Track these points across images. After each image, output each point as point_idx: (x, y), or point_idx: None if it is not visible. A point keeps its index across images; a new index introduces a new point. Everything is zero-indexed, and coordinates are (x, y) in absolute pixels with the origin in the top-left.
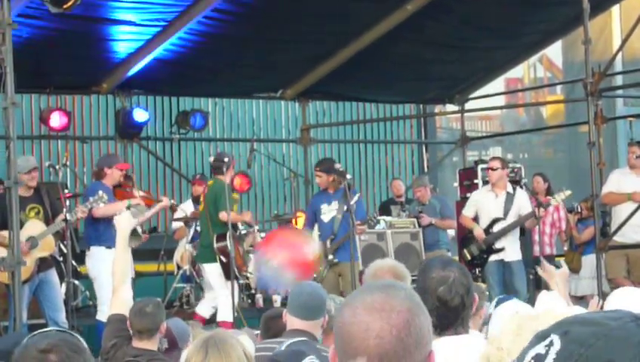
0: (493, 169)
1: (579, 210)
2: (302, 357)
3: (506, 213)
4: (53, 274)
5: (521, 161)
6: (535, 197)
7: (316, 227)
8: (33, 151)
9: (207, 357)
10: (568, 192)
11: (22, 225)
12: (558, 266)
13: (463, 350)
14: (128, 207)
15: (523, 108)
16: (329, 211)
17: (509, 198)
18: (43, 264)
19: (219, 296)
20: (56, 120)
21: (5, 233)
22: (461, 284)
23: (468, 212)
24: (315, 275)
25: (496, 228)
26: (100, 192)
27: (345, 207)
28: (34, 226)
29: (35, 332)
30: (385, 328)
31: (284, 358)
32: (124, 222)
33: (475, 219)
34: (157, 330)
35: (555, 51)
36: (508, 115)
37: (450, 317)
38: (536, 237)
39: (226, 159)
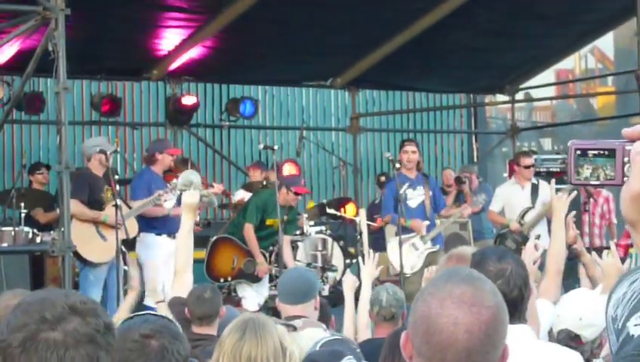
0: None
1: None
2: (340, 357)
3: (533, 203)
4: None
5: None
6: (584, 188)
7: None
8: (83, 137)
9: (244, 338)
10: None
11: (102, 204)
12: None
13: (524, 339)
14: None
15: (574, 99)
16: (417, 196)
17: (534, 189)
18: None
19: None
20: (107, 106)
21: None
22: (519, 276)
23: (495, 206)
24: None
25: (527, 218)
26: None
27: (430, 193)
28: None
29: (133, 315)
30: (474, 323)
31: (323, 358)
32: (190, 198)
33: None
34: (217, 315)
35: (606, 42)
36: (559, 105)
37: (509, 311)
38: (586, 229)
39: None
